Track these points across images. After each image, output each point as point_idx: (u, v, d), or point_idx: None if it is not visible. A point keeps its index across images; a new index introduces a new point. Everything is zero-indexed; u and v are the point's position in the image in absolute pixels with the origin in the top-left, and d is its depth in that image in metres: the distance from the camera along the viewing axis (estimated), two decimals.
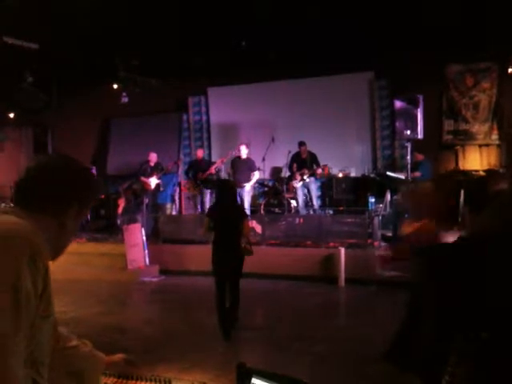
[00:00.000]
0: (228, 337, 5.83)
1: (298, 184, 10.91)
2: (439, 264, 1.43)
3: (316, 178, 11.04)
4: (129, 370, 1.80)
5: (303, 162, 10.91)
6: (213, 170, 11.61)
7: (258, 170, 11.29)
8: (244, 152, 11.11)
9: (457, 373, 1.41)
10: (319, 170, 10.79)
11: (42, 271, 1.33)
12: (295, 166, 11.07)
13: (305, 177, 10.80)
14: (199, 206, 11.87)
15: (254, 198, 11.78)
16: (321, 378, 4.57)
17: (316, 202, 11.05)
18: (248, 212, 10.80)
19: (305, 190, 11.03)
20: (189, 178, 12.05)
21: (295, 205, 11.31)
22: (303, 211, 11.01)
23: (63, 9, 8.27)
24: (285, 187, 11.21)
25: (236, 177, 10.96)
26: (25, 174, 1.48)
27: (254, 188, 11.54)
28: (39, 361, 1.38)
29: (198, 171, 11.72)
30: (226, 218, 6.02)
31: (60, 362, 1.63)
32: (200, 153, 12.40)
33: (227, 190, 6.31)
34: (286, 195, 11.13)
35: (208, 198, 11.64)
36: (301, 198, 11.00)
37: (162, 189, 12.03)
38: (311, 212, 11.14)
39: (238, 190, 10.82)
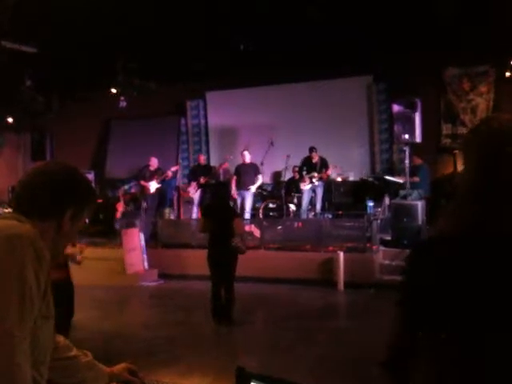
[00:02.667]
0: (219, 323, 6.40)
1: (306, 187, 10.90)
2: (409, 261, 1.46)
3: (324, 182, 11.04)
4: (131, 380, 1.79)
5: (313, 166, 10.93)
6: (221, 168, 11.76)
7: None
8: (248, 157, 11.21)
9: (421, 373, 1.44)
10: (329, 171, 10.82)
11: (44, 272, 1.36)
12: (305, 169, 11.09)
13: (314, 180, 10.80)
14: (195, 210, 11.88)
15: (252, 202, 11.81)
16: (320, 382, 4.57)
17: (319, 206, 11.06)
18: (248, 215, 10.87)
19: (311, 194, 11.03)
20: (191, 182, 12.05)
21: (294, 209, 11.32)
22: (305, 214, 11.01)
23: (62, 12, 8.28)
24: (283, 191, 11.23)
25: (242, 180, 11.06)
26: (22, 180, 1.51)
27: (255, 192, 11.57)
28: (39, 360, 1.40)
29: (199, 176, 11.77)
30: (219, 217, 6.46)
31: (60, 372, 1.63)
32: (202, 158, 12.46)
33: (221, 192, 6.96)
34: (285, 199, 11.15)
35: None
36: (306, 201, 11.01)
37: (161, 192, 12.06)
38: (312, 216, 11.14)
39: (243, 192, 10.93)
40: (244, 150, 11.32)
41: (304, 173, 10.98)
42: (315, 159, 10.90)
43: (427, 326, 1.38)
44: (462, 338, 1.34)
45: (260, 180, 11.23)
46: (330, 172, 10.84)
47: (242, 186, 11.04)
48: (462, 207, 1.42)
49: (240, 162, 11.43)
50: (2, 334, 1.24)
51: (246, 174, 11.13)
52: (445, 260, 1.36)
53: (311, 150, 10.90)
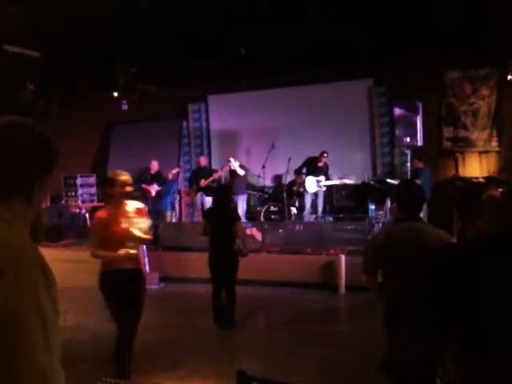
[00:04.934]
0: (221, 326, 6.40)
1: (312, 190, 10.86)
2: (438, 265, 1.47)
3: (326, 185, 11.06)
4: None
5: (319, 169, 10.89)
6: (216, 176, 11.71)
7: (258, 177, 11.65)
8: (234, 164, 11.23)
9: (448, 371, 1.44)
10: (341, 182, 10.82)
11: (53, 285, 1.27)
12: (305, 169, 11.08)
13: (321, 183, 10.80)
14: (196, 213, 11.90)
15: (253, 205, 11.84)
16: None
17: (321, 209, 11.06)
18: (244, 219, 10.88)
19: (313, 197, 11.03)
20: (191, 186, 12.08)
21: (295, 212, 11.32)
22: (308, 217, 11.01)
23: (64, 17, 8.31)
24: (284, 194, 11.23)
25: (233, 186, 11.07)
26: None
27: (247, 196, 11.62)
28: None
29: (200, 178, 11.78)
30: (220, 220, 6.47)
31: None
32: (203, 160, 12.47)
33: (223, 195, 6.87)
34: (287, 202, 11.16)
35: (208, 205, 11.69)
36: (309, 204, 11.00)
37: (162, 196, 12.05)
38: (313, 219, 11.13)
39: (235, 197, 10.95)
40: (230, 157, 11.36)
41: (304, 171, 10.96)
42: (321, 163, 10.89)
43: (458, 325, 1.38)
44: (493, 336, 1.34)
45: (241, 172, 11.16)
46: (341, 183, 10.81)
47: (234, 192, 11.04)
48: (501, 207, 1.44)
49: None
50: (36, 376, 1.18)
51: (235, 179, 11.19)
52: (477, 258, 1.37)
53: (322, 153, 10.85)
